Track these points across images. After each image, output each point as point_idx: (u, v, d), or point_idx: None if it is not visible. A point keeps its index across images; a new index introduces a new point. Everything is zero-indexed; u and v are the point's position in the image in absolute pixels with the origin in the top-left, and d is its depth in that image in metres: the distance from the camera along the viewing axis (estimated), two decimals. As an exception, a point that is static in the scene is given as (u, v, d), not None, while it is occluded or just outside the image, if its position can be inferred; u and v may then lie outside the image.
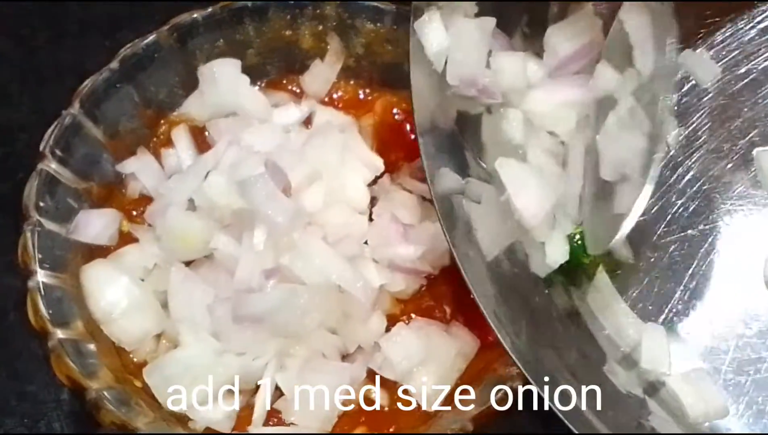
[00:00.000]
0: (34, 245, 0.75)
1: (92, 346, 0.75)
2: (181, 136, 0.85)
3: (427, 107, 0.72)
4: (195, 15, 0.84)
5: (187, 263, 0.80)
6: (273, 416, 0.75)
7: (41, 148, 0.79)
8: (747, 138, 0.77)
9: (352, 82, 0.89)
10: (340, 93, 0.90)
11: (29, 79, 1.00)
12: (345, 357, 0.77)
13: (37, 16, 1.03)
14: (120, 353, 0.77)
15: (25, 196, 0.77)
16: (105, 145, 0.83)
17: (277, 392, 0.76)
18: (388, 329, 0.77)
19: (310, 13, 0.87)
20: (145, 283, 0.79)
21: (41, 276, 0.74)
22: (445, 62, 0.72)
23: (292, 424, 0.74)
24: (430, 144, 0.71)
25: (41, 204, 0.77)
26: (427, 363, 0.75)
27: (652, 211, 0.77)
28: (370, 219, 0.81)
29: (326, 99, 0.89)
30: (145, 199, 0.83)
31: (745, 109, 0.78)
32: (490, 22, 0.73)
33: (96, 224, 0.79)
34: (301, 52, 0.89)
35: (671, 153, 0.77)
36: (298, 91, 0.89)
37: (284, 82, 0.89)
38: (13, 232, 0.77)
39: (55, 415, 0.84)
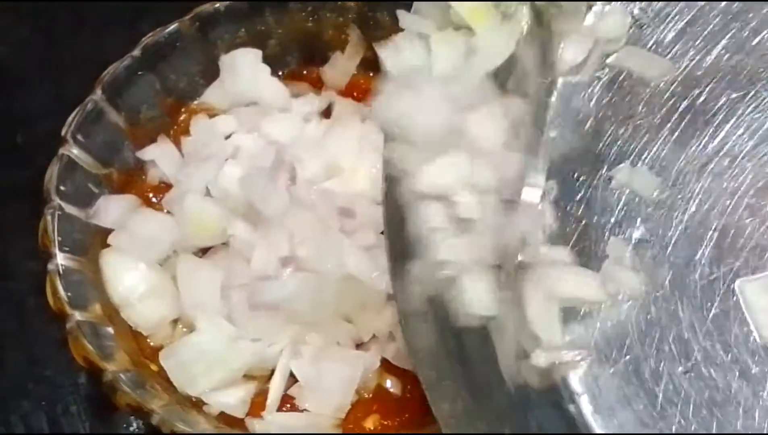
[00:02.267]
0: (54, 228, 0.76)
1: (109, 329, 0.75)
2: (199, 124, 0.86)
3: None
4: (217, 5, 0.85)
5: (204, 250, 0.80)
6: (286, 402, 0.76)
7: (63, 133, 0.79)
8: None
9: (371, 74, 0.89)
10: (359, 85, 0.90)
11: (50, 67, 1.01)
12: (359, 345, 0.77)
13: (59, 5, 1.04)
14: (137, 337, 0.78)
15: (47, 180, 0.78)
16: (126, 131, 0.84)
17: (291, 379, 0.76)
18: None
19: (331, 5, 0.87)
20: (163, 269, 0.79)
21: (61, 259, 0.75)
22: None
23: (306, 410, 0.75)
24: None
25: (62, 188, 0.78)
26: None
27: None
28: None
29: (345, 90, 0.89)
30: (165, 186, 0.84)
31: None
32: None
33: (115, 210, 0.80)
34: (322, 44, 0.89)
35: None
36: (317, 82, 0.90)
37: (304, 72, 0.90)
38: (33, 218, 0.78)
39: (72, 399, 0.85)
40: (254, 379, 0.77)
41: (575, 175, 0.75)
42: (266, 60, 0.87)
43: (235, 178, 0.78)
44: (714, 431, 0.67)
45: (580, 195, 0.74)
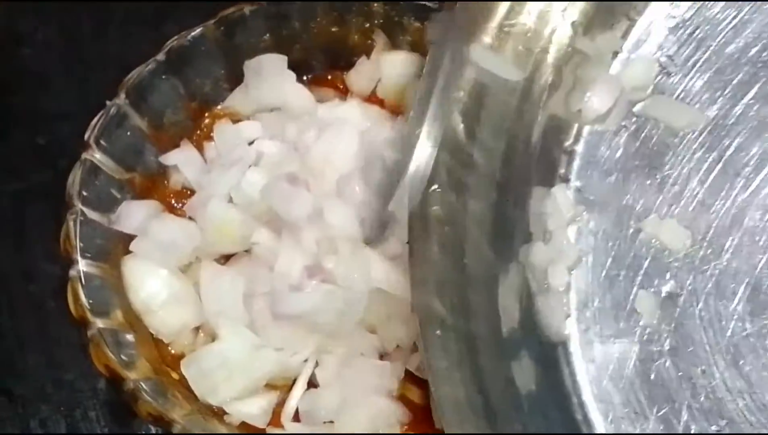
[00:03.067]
0: (76, 234, 0.75)
1: (131, 337, 0.75)
2: (222, 129, 0.85)
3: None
4: (243, 9, 0.84)
5: (227, 257, 0.80)
6: (308, 413, 0.75)
7: (86, 137, 0.79)
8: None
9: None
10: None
11: (73, 69, 1.00)
12: (383, 356, 0.76)
13: (83, 6, 1.03)
14: (158, 345, 0.78)
15: (69, 184, 0.77)
16: (149, 136, 0.83)
17: (313, 389, 0.76)
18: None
19: (357, 10, 0.86)
20: (185, 276, 0.79)
21: (83, 265, 0.75)
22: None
23: (327, 422, 0.74)
24: None
25: (84, 193, 0.77)
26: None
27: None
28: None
29: (371, 96, 0.88)
30: (187, 192, 0.83)
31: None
32: None
33: (138, 215, 0.79)
34: (347, 49, 0.88)
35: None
36: (342, 87, 0.89)
37: (329, 78, 0.89)
38: (53, 220, 0.78)
39: (91, 404, 0.84)
40: (276, 389, 0.76)
41: (602, 228, 0.74)
42: (291, 64, 0.86)
43: (258, 185, 0.77)
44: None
45: (607, 246, 0.73)
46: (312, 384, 0.76)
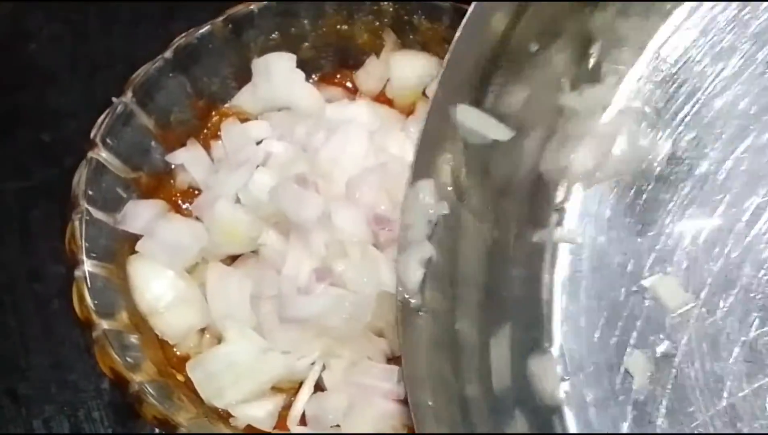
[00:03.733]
0: (82, 234, 0.75)
1: (136, 338, 0.74)
2: (230, 128, 0.84)
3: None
4: (251, 7, 0.83)
5: (233, 258, 0.79)
6: (315, 417, 0.74)
7: (92, 136, 0.78)
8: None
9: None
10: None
11: (80, 65, 1.00)
12: (390, 360, 0.76)
13: (90, 3, 1.03)
14: (163, 346, 0.77)
15: (75, 184, 0.77)
16: (155, 134, 0.82)
17: (320, 392, 0.75)
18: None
19: (366, 9, 0.85)
20: (191, 277, 0.78)
21: (88, 265, 0.74)
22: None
23: (334, 426, 0.74)
24: None
25: (90, 193, 0.76)
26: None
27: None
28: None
29: (380, 96, 0.87)
30: (194, 191, 0.83)
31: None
32: None
33: (144, 215, 0.78)
34: (356, 48, 0.87)
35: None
36: (351, 86, 0.88)
37: (338, 77, 0.88)
38: (59, 218, 0.77)
39: (95, 405, 0.84)
40: (282, 392, 0.76)
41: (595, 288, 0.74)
42: (299, 63, 0.85)
43: (266, 186, 0.76)
44: None
45: (600, 305, 0.73)
46: (319, 387, 0.75)
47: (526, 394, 0.71)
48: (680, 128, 0.74)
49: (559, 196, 0.75)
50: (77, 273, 0.73)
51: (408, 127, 0.83)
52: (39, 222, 0.91)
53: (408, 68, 0.85)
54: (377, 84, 0.87)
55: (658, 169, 0.74)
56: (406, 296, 0.68)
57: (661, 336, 0.71)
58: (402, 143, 0.80)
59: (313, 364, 0.75)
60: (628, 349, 0.71)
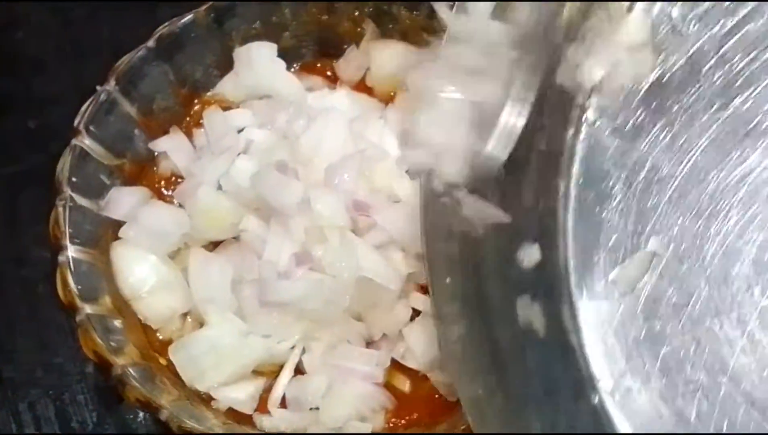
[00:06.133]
0: (65, 220, 0.76)
1: (119, 323, 0.75)
2: (212, 116, 0.85)
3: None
4: (234, -4, 0.84)
5: (215, 244, 0.80)
6: (295, 400, 0.76)
7: (75, 123, 0.79)
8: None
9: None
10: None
11: (65, 51, 1.00)
12: (369, 344, 0.77)
13: (77, -11, 1.03)
14: (146, 330, 0.78)
15: (58, 170, 0.77)
16: (138, 122, 0.83)
17: (300, 375, 0.76)
18: (412, 318, 0.77)
19: (347, -2, 0.86)
20: (173, 262, 0.79)
21: (71, 251, 0.75)
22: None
23: (314, 408, 0.75)
24: None
25: (74, 179, 0.77)
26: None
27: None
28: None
29: (360, 84, 0.88)
30: (176, 178, 0.84)
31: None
32: None
33: (127, 202, 0.80)
34: (337, 37, 0.88)
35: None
36: (331, 75, 0.89)
37: (319, 65, 0.89)
38: (44, 204, 0.78)
39: (79, 388, 0.85)
40: (263, 375, 0.77)
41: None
42: (280, 52, 0.86)
43: (247, 173, 0.77)
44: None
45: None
46: (299, 371, 0.76)
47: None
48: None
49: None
50: (61, 258, 0.74)
51: (387, 116, 0.84)
52: (25, 207, 0.92)
53: (387, 57, 0.86)
54: (357, 73, 0.88)
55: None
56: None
57: (675, 232, 0.71)
58: (381, 131, 0.81)
59: (293, 347, 0.76)
60: (641, 243, 0.72)
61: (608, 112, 0.74)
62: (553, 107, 0.73)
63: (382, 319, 0.76)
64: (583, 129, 0.75)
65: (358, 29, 0.88)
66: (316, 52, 0.89)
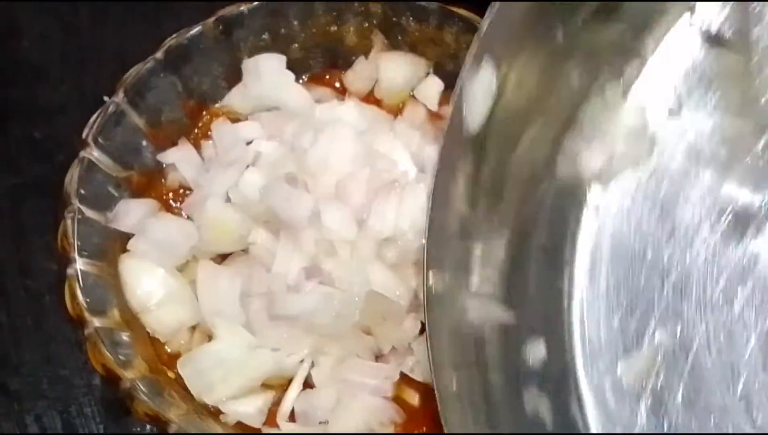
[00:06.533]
0: (74, 233, 0.75)
1: (127, 336, 0.75)
2: (220, 128, 0.85)
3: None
4: (242, 8, 0.84)
5: (223, 256, 0.80)
6: (304, 414, 0.75)
7: (84, 135, 0.79)
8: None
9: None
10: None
11: (71, 61, 1.00)
12: (378, 358, 0.77)
13: (81, -2, 1.03)
14: (154, 343, 0.78)
15: (67, 183, 0.77)
16: (147, 134, 0.83)
17: (309, 389, 0.76)
18: (421, 332, 0.76)
19: (355, 10, 0.86)
20: (182, 275, 0.79)
21: (80, 264, 0.75)
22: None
23: (323, 422, 0.75)
24: None
25: (82, 192, 0.77)
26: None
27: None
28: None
29: (369, 96, 0.88)
30: (184, 190, 0.84)
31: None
32: None
33: (135, 214, 0.79)
34: (345, 49, 0.88)
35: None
36: (340, 87, 0.89)
37: (327, 77, 0.89)
38: (50, 215, 0.78)
39: (86, 400, 0.85)
40: (272, 389, 0.76)
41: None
42: (289, 63, 0.86)
43: (256, 185, 0.77)
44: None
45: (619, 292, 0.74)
46: (308, 384, 0.76)
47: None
48: (701, 115, 0.74)
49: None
50: (69, 271, 0.74)
51: (396, 128, 0.84)
52: (30, 218, 0.91)
53: (396, 69, 0.86)
54: (366, 85, 0.88)
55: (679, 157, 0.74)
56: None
57: (679, 325, 0.72)
58: (390, 143, 0.81)
59: (302, 361, 0.76)
60: (647, 337, 0.72)
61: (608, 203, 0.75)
62: (554, 201, 0.74)
63: (391, 333, 0.76)
64: (584, 221, 0.75)
65: (367, 41, 0.88)
66: (324, 64, 0.89)
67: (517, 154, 0.72)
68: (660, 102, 0.75)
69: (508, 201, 0.73)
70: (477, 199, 0.71)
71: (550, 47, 0.71)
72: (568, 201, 0.75)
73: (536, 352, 0.72)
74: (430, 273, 0.68)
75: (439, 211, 0.69)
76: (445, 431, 0.66)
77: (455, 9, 0.83)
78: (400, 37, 0.87)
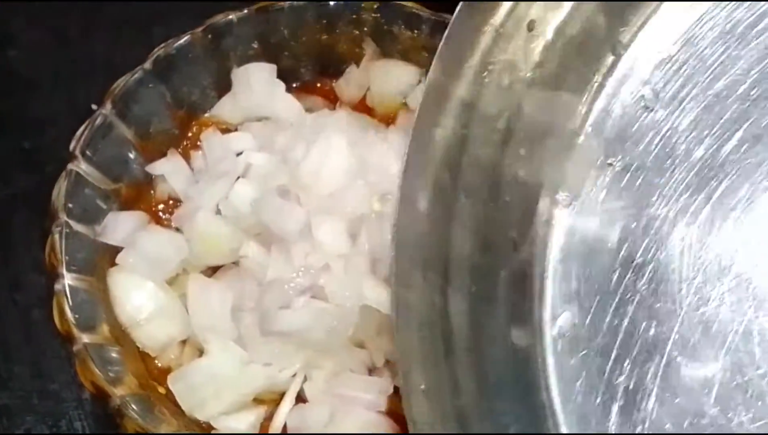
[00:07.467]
0: (61, 248, 0.74)
1: (117, 352, 0.74)
2: (210, 139, 0.84)
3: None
4: (231, 16, 0.83)
5: (214, 269, 0.79)
6: (296, 428, 0.74)
7: (71, 148, 0.78)
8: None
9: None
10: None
11: (61, 72, 0.99)
12: (371, 371, 0.76)
13: (71, 6, 1.02)
14: (144, 358, 0.77)
15: (54, 196, 0.76)
16: (135, 145, 0.82)
17: (301, 404, 0.75)
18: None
19: (346, 18, 0.85)
20: (172, 289, 0.78)
21: (68, 279, 0.74)
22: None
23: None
24: None
25: (70, 205, 0.76)
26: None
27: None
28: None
29: (360, 105, 0.88)
30: (174, 202, 0.83)
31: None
32: None
33: (124, 227, 0.78)
34: (336, 57, 0.87)
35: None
36: (331, 95, 0.88)
37: (318, 85, 0.88)
38: (39, 227, 0.77)
39: (76, 415, 0.84)
40: (264, 404, 0.75)
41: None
42: (279, 72, 0.86)
43: (247, 198, 0.76)
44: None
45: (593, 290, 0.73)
46: (300, 399, 0.75)
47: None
48: (677, 111, 0.74)
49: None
50: (57, 287, 0.73)
51: (389, 137, 0.83)
52: (20, 230, 0.91)
53: (388, 77, 0.85)
54: (357, 93, 0.87)
55: (654, 152, 0.74)
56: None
57: (654, 323, 0.70)
58: (383, 153, 0.80)
59: (294, 375, 0.75)
60: (620, 335, 0.71)
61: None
62: (524, 196, 0.74)
63: (384, 347, 0.75)
64: (556, 215, 0.74)
65: (358, 49, 0.87)
66: (315, 73, 0.88)
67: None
68: (635, 95, 0.75)
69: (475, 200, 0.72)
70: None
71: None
72: (539, 196, 0.75)
73: (507, 347, 0.71)
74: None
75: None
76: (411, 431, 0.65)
77: (447, 16, 0.82)
78: (391, 45, 0.86)
